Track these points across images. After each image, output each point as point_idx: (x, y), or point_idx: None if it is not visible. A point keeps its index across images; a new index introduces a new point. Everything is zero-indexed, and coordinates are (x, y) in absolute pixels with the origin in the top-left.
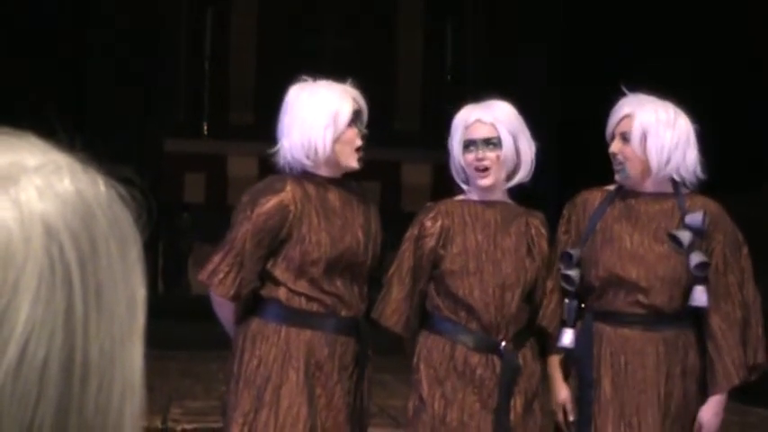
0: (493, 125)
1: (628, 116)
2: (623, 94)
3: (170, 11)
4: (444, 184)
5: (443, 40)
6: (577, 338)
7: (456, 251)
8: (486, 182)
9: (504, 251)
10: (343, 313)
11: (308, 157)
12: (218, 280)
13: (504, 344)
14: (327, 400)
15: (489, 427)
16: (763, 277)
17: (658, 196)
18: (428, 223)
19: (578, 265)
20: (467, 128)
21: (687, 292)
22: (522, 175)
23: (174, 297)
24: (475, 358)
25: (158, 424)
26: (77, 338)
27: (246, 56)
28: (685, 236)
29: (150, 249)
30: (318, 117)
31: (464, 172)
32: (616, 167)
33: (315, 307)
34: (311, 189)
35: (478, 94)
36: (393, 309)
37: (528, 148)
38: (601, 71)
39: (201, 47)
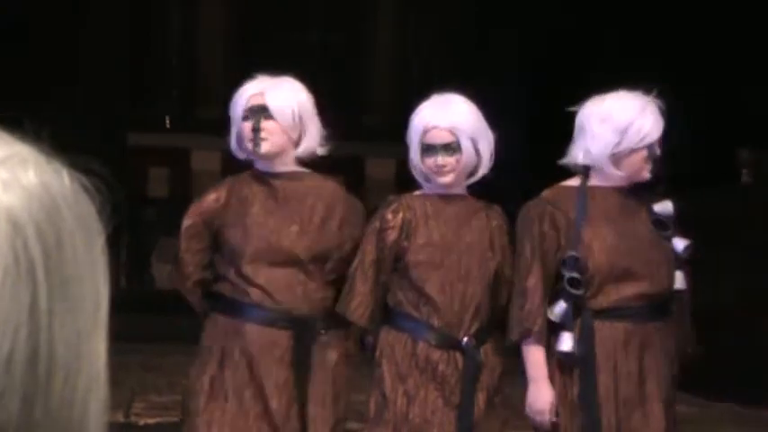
0: (451, 131)
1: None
2: (595, 87)
3: (137, 4)
4: (409, 179)
5: (410, 33)
6: (577, 340)
7: (421, 242)
8: (446, 179)
9: (467, 245)
10: (269, 305)
11: (236, 151)
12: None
13: (465, 340)
14: (257, 391)
15: (452, 423)
16: (733, 270)
17: (624, 190)
18: (389, 216)
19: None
20: (425, 132)
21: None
22: (483, 172)
23: (137, 291)
24: (436, 354)
25: (121, 418)
26: (42, 332)
27: (212, 50)
28: (669, 220)
29: (113, 243)
30: (233, 112)
31: (423, 171)
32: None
33: (245, 298)
34: (250, 183)
35: (445, 88)
36: (358, 302)
37: (487, 146)
38: (572, 63)
39: (168, 39)
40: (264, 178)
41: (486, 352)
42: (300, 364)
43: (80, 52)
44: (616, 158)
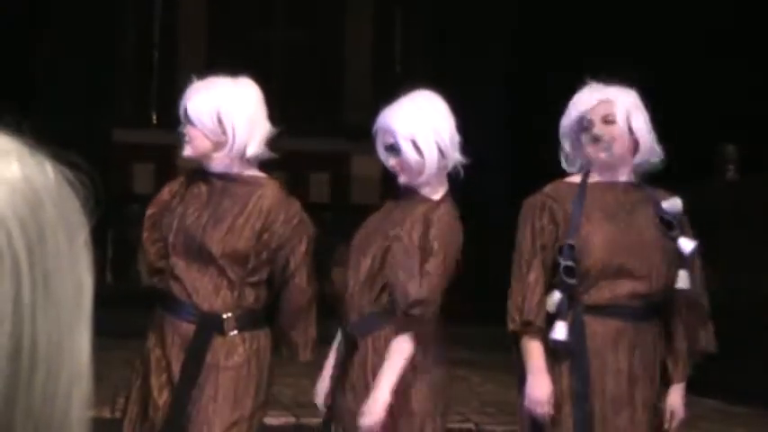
0: (391, 133)
1: (606, 101)
2: (579, 85)
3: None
4: (395, 177)
5: (393, 30)
6: (569, 333)
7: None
8: (400, 179)
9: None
10: (183, 298)
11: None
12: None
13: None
14: (166, 381)
15: None
16: (717, 267)
17: (629, 186)
18: None
19: (572, 256)
20: (381, 134)
21: (674, 278)
22: (428, 172)
23: (122, 287)
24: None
25: (107, 414)
26: (25, 326)
27: (195, 45)
28: (675, 219)
29: (99, 239)
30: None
31: None
32: (602, 146)
33: (169, 290)
34: (196, 179)
35: (428, 84)
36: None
37: (434, 146)
38: (555, 62)
39: (150, 35)
40: (205, 176)
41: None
42: (192, 359)
43: (64, 48)
44: (576, 147)
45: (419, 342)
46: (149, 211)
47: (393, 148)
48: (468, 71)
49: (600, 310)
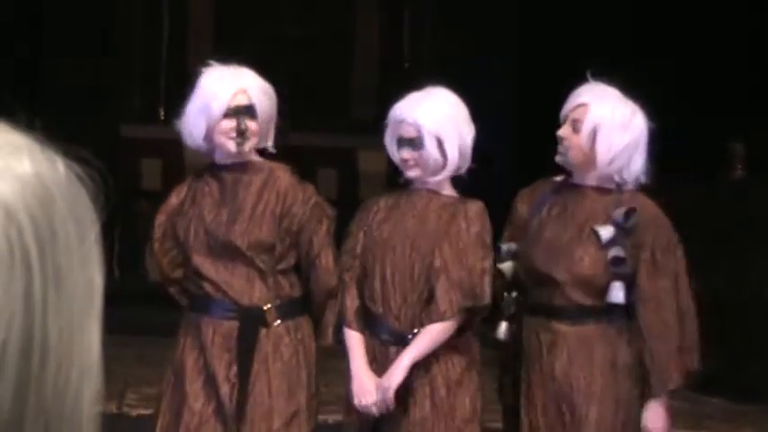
0: (415, 127)
1: (584, 105)
2: (584, 81)
3: None
4: (400, 172)
5: (401, 26)
6: (513, 333)
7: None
8: (411, 173)
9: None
10: (218, 296)
11: (189, 142)
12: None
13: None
14: (208, 382)
15: None
16: (718, 266)
17: (599, 191)
18: None
19: (516, 257)
20: (397, 125)
21: (607, 289)
22: (448, 171)
23: (130, 283)
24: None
25: (114, 409)
26: (36, 321)
27: (203, 40)
28: (606, 231)
29: (107, 235)
30: (195, 104)
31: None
32: (560, 150)
33: (199, 291)
34: (206, 177)
35: (436, 80)
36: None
37: (457, 145)
38: (562, 58)
39: (158, 30)
40: (218, 171)
41: None
42: (244, 356)
43: (71, 43)
44: None
45: (469, 342)
46: (159, 220)
47: (413, 142)
48: (476, 68)
49: (537, 311)
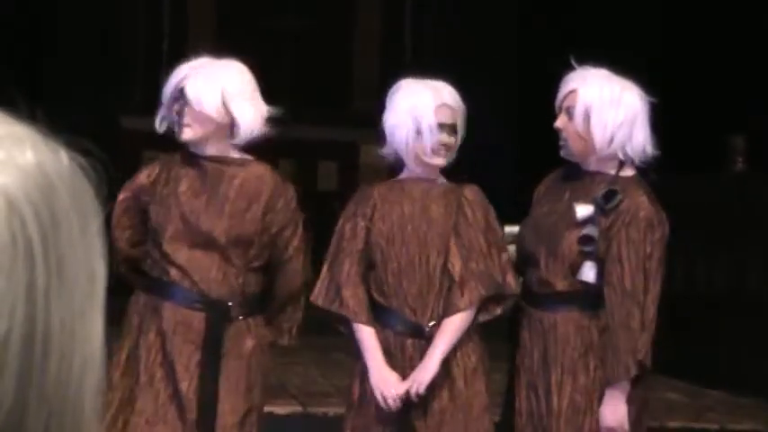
0: (455, 112)
1: (573, 91)
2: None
3: None
4: (400, 165)
5: (402, 19)
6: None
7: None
8: (440, 161)
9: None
10: (186, 285)
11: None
12: None
13: (431, 325)
14: (167, 372)
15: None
16: (716, 259)
17: (596, 176)
18: None
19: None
20: (437, 109)
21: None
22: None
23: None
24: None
25: None
26: (39, 312)
27: (204, 33)
28: (584, 209)
29: (109, 227)
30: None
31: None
32: (561, 142)
33: (164, 277)
34: (182, 163)
35: (438, 73)
36: None
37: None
38: (561, 57)
39: (159, 23)
40: (195, 160)
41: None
42: (211, 349)
43: (73, 35)
44: None
45: (477, 328)
46: (121, 197)
47: (454, 129)
48: (478, 62)
49: (525, 296)
